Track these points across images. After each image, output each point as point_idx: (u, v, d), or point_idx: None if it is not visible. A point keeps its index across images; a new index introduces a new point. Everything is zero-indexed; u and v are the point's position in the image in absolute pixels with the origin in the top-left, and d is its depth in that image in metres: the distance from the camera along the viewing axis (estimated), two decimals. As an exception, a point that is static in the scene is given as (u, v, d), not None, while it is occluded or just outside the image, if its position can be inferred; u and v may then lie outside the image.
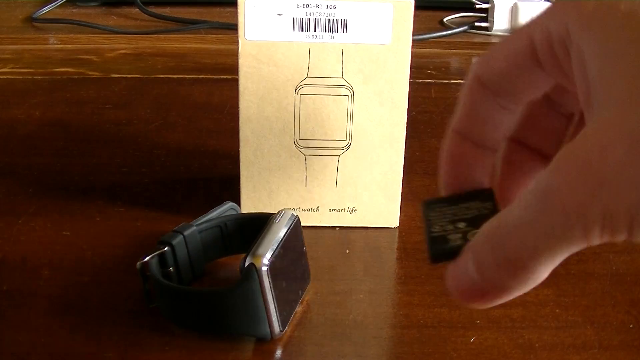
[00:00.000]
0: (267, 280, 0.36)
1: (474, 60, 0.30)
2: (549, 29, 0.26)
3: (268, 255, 0.37)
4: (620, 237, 0.24)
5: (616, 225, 0.23)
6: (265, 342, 0.38)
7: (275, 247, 0.37)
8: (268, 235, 0.38)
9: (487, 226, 0.26)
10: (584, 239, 0.24)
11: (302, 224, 0.41)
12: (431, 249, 0.27)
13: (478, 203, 0.29)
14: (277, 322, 0.37)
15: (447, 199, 0.30)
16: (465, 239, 0.27)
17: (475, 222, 0.28)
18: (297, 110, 0.46)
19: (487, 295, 0.27)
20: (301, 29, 0.45)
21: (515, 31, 0.29)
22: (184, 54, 0.88)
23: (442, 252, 0.27)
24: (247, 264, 0.36)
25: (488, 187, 0.30)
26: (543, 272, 0.26)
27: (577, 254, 0.39)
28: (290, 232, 0.39)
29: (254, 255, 0.37)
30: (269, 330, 0.37)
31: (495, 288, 0.26)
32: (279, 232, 0.38)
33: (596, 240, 0.24)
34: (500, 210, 0.27)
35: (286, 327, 0.38)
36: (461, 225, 0.28)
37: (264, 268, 0.36)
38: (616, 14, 0.24)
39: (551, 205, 0.24)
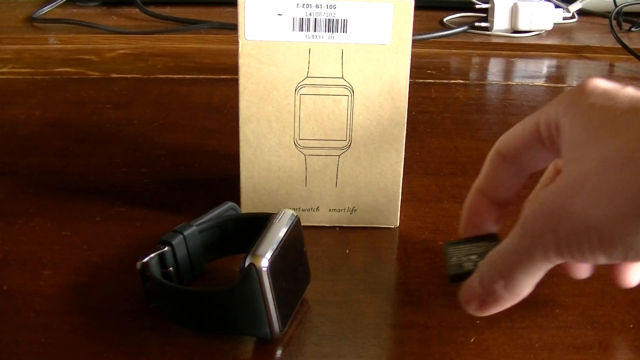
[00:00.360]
0: (267, 280, 0.36)
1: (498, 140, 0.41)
2: (549, 115, 0.36)
3: (268, 255, 0.37)
4: (568, 258, 0.33)
5: (562, 248, 0.33)
6: (265, 342, 0.38)
7: (275, 247, 0.37)
8: (268, 235, 0.38)
9: (490, 252, 0.36)
10: (545, 258, 0.34)
11: (302, 224, 0.41)
12: (450, 272, 0.38)
13: (487, 243, 0.39)
14: (277, 322, 0.37)
15: (463, 240, 0.40)
16: (475, 266, 0.37)
17: (484, 256, 0.37)
18: (297, 110, 0.46)
19: (485, 303, 0.36)
20: (301, 29, 0.45)
21: (528, 117, 0.38)
22: (184, 54, 0.88)
23: (458, 274, 0.37)
24: (247, 264, 0.36)
25: (495, 232, 0.40)
26: (525, 285, 0.35)
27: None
28: (290, 232, 0.39)
29: (254, 255, 0.36)
30: (269, 330, 0.37)
31: (491, 297, 0.36)
32: (279, 232, 0.38)
33: (554, 260, 0.34)
34: None
35: (286, 327, 0.38)
36: (473, 257, 0.38)
37: (264, 268, 0.36)
38: (583, 105, 0.34)
39: (524, 233, 0.34)
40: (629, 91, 0.34)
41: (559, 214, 0.32)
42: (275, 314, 0.37)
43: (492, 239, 0.40)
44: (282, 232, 0.39)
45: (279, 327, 0.37)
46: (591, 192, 0.32)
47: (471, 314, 0.37)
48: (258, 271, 0.36)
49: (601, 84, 0.35)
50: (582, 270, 0.40)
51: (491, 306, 0.36)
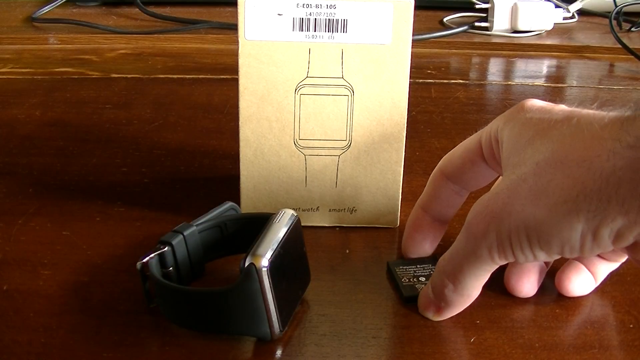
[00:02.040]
0: (267, 280, 0.36)
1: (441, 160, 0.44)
2: (489, 131, 0.39)
3: (268, 255, 0.37)
4: (510, 257, 0.35)
5: (505, 246, 0.35)
6: (265, 342, 0.38)
7: (275, 247, 0.37)
8: (268, 235, 0.38)
9: (439, 259, 0.39)
10: (490, 258, 0.36)
11: (302, 224, 0.41)
12: (404, 293, 0.41)
13: (431, 265, 0.43)
14: (277, 322, 0.37)
15: (407, 261, 0.44)
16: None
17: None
18: (297, 110, 0.46)
19: (440, 309, 0.39)
20: (301, 29, 0.45)
21: (470, 137, 0.41)
22: (184, 54, 0.88)
23: (413, 295, 0.41)
24: (247, 264, 0.36)
25: (432, 255, 0.44)
26: (472, 287, 0.38)
27: (577, 254, 0.38)
28: (290, 232, 0.39)
29: (254, 255, 0.36)
30: (269, 330, 0.37)
31: (443, 302, 0.38)
32: (279, 232, 0.38)
33: (497, 259, 0.36)
34: None
35: (286, 327, 0.38)
36: (422, 279, 0.42)
37: (264, 268, 0.36)
38: (521, 119, 0.37)
39: (468, 235, 0.36)
40: (562, 107, 0.37)
41: (501, 214, 0.34)
42: (275, 314, 0.37)
43: (434, 261, 0.43)
44: (282, 232, 0.39)
45: (279, 327, 0.37)
46: (528, 193, 0.34)
47: (431, 319, 0.39)
48: (258, 271, 0.36)
49: (537, 102, 0.38)
50: (527, 285, 0.41)
51: (446, 310, 0.39)
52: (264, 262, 0.36)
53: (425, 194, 0.44)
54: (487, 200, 0.36)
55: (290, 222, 0.40)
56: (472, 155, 0.41)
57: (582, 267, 0.41)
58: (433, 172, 0.43)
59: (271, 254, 0.37)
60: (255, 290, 0.36)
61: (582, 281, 0.41)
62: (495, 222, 0.35)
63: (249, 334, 0.38)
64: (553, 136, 0.35)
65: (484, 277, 0.37)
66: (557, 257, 0.34)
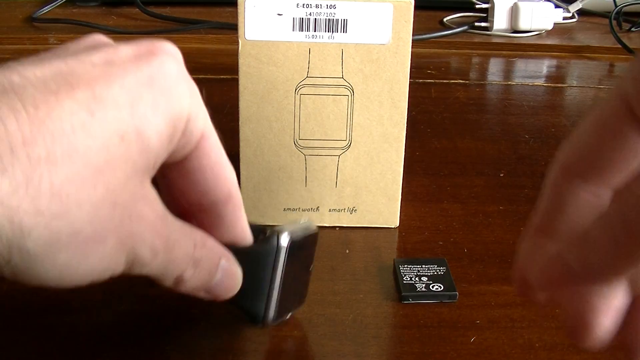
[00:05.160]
0: (283, 257, 0.35)
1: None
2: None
3: (291, 236, 0.35)
4: None
5: None
6: (256, 326, 0.36)
7: (298, 233, 0.36)
8: (291, 224, 0.37)
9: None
10: None
11: (302, 224, 0.41)
12: (403, 291, 0.41)
13: (435, 267, 0.43)
14: (274, 307, 0.35)
15: (412, 260, 0.44)
16: (427, 287, 0.41)
17: (434, 279, 0.42)
18: (297, 110, 0.46)
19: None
20: (301, 29, 0.45)
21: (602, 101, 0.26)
22: (183, 54, 0.88)
23: (411, 294, 0.41)
24: (270, 233, 0.35)
25: (442, 258, 0.44)
26: None
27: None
28: (310, 236, 0.37)
29: (278, 230, 0.35)
30: (263, 311, 0.35)
31: None
32: (303, 225, 0.37)
33: None
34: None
35: (277, 321, 0.36)
36: (424, 279, 0.42)
37: (284, 242, 0.35)
38: None
39: None
40: None
41: None
42: (275, 297, 0.35)
43: (440, 263, 0.44)
44: (305, 227, 0.37)
45: (274, 314, 0.36)
46: None
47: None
48: (279, 243, 0.35)
49: None
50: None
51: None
52: (286, 237, 0.35)
53: (545, 212, 0.28)
54: None
55: (313, 230, 0.38)
56: (612, 124, 0.24)
57: None
58: (549, 176, 0.28)
59: (294, 235, 0.35)
60: (269, 260, 0.35)
61: None
62: None
63: (243, 307, 0.36)
64: None
65: None
66: None
